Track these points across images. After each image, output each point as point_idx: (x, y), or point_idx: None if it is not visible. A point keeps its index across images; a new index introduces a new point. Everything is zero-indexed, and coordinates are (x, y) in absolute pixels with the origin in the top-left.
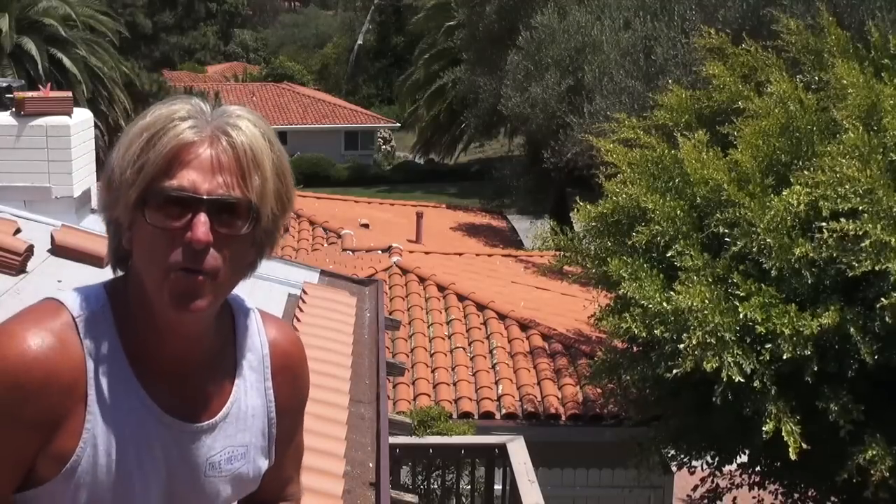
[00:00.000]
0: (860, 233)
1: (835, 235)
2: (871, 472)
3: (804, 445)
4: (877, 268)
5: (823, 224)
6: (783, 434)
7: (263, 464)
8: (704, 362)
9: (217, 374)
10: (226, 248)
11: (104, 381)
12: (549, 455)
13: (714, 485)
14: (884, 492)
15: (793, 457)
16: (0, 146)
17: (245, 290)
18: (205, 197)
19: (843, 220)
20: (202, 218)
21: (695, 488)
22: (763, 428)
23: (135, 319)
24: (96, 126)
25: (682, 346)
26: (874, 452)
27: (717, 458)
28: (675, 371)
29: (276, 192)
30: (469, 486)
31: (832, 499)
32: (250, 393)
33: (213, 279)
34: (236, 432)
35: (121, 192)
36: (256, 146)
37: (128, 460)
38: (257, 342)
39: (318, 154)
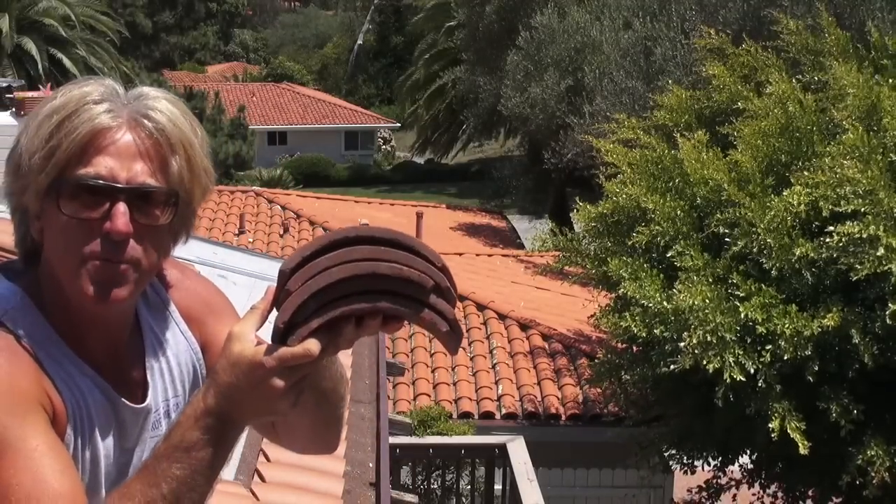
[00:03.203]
0: (864, 235)
1: (844, 240)
2: (872, 472)
3: (808, 444)
4: (879, 270)
5: (831, 228)
6: (789, 431)
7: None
8: (705, 362)
9: (133, 349)
10: (146, 238)
11: (56, 366)
12: (549, 455)
13: (715, 485)
14: (882, 492)
15: (803, 451)
16: (0, 146)
17: (245, 291)
18: (124, 185)
19: (848, 223)
20: (121, 208)
21: (698, 490)
22: (770, 425)
23: (53, 314)
24: None
25: (682, 344)
26: (874, 453)
27: (718, 459)
28: (673, 367)
29: (196, 177)
30: (469, 486)
31: (832, 499)
32: (167, 345)
33: (136, 268)
34: (165, 386)
35: (30, 179)
36: (177, 130)
37: (95, 438)
38: (153, 295)
39: (318, 154)
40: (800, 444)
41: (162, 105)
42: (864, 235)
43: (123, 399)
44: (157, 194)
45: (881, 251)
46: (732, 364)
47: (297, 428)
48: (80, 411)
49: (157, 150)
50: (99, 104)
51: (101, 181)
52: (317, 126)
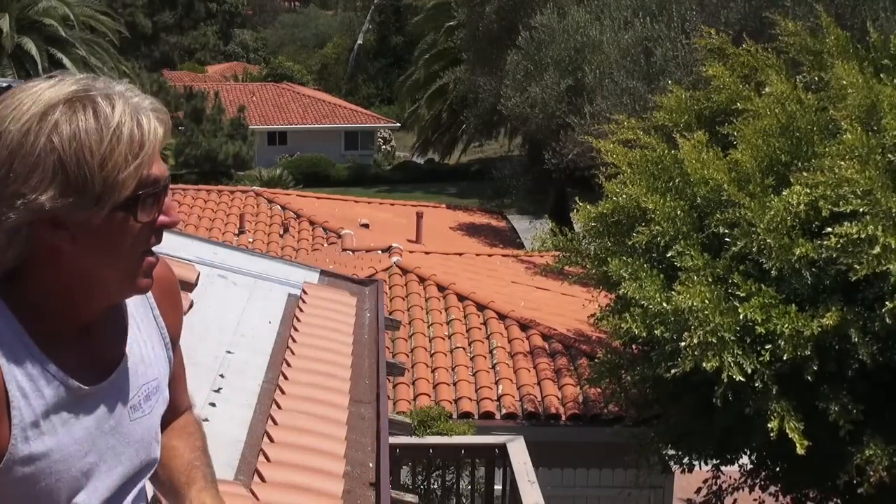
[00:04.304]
0: (863, 236)
1: (842, 241)
2: (870, 472)
3: (806, 443)
4: (878, 270)
5: (829, 230)
6: (787, 431)
7: (167, 389)
8: (704, 362)
9: (113, 324)
10: None
11: (18, 372)
12: (549, 455)
13: (715, 486)
14: (881, 491)
15: (800, 451)
16: None
17: (246, 290)
18: (167, 181)
19: (846, 223)
20: (169, 201)
21: (697, 491)
22: (769, 425)
23: (37, 312)
24: None
25: (683, 344)
26: (872, 452)
27: (718, 459)
28: (674, 371)
29: None
30: (469, 486)
31: (833, 499)
32: (143, 328)
33: None
34: (145, 369)
35: (101, 197)
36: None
37: (64, 443)
38: None
39: (318, 154)
40: (797, 445)
41: (147, 102)
42: (863, 235)
43: (91, 386)
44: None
45: (877, 250)
46: (731, 364)
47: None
48: (37, 416)
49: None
50: (142, 115)
51: (160, 183)
52: (317, 126)
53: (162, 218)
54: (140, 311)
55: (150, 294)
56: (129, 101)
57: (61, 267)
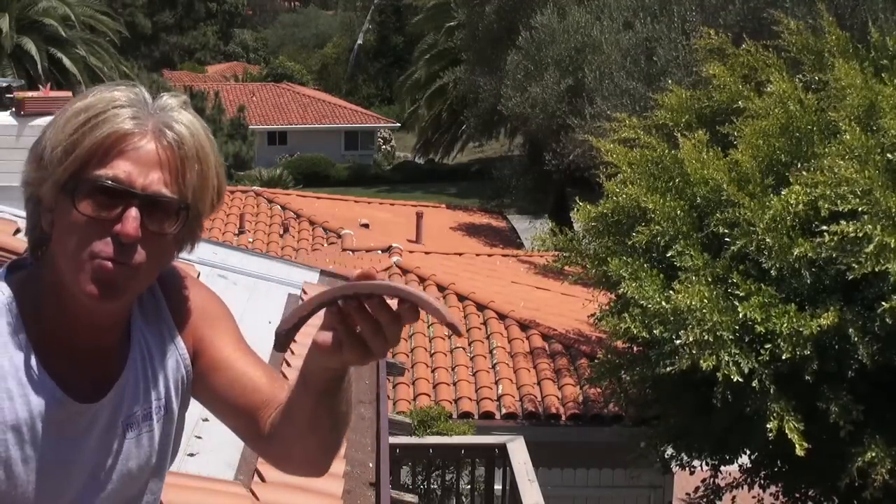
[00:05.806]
0: (860, 234)
1: (836, 238)
2: (872, 473)
3: (806, 445)
4: (877, 269)
5: (825, 227)
6: (787, 432)
7: (186, 394)
8: (701, 360)
9: (121, 352)
10: (151, 245)
11: (11, 377)
12: (549, 455)
13: (714, 485)
14: (883, 493)
15: (800, 453)
16: (0, 146)
17: (246, 290)
18: (139, 191)
19: (843, 222)
20: (133, 212)
21: (696, 490)
22: (767, 426)
23: (46, 308)
24: None
25: (678, 342)
26: (874, 454)
27: (717, 459)
28: (669, 368)
29: (207, 191)
30: (469, 486)
31: (832, 499)
32: (153, 342)
33: (135, 275)
34: (148, 388)
35: (49, 171)
36: (196, 144)
37: (44, 454)
38: (149, 300)
39: (318, 154)
40: (797, 446)
41: (185, 118)
42: (860, 234)
43: (85, 404)
44: (170, 204)
45: (870, 248)
46: (729, 363)
47: (298, 447)
48: (18, 421)
49: (175, 162)
50: (126, 108)
51: (118, 184)
52: (317, 126)
53: (117, 227)
54: (153, 333)
55: (166, 314)
56: (120, 97)
57: (53, 253)
